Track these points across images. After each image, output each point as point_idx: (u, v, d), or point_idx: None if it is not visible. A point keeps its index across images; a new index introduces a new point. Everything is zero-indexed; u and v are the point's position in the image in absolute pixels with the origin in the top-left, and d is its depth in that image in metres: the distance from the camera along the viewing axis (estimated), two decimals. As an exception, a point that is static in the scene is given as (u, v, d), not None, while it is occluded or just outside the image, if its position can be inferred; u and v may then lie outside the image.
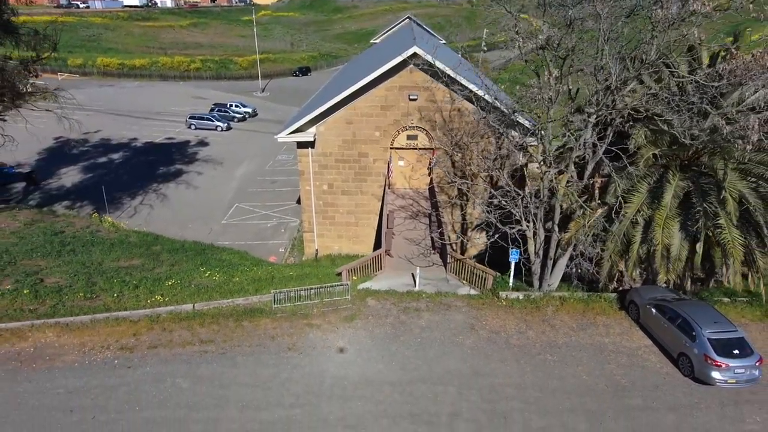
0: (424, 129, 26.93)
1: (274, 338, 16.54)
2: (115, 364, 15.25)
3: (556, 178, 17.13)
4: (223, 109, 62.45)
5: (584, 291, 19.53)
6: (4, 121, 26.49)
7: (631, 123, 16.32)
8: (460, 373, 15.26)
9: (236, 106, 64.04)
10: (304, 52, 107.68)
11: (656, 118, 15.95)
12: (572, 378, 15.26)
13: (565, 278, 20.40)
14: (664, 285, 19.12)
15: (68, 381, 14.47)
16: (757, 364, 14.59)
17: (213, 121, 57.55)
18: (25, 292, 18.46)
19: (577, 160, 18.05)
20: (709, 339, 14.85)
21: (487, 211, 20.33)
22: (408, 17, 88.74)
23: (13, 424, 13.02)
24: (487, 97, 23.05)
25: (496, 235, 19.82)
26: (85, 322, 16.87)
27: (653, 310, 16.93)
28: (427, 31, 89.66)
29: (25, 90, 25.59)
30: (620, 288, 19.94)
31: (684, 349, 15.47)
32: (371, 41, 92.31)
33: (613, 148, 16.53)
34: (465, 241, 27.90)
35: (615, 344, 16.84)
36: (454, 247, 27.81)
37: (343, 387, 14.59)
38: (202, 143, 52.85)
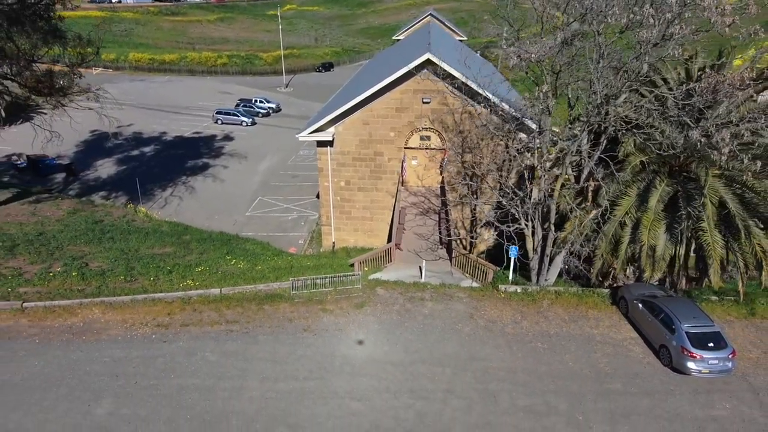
0: (436, 130, 28.45)
1: (292, 320, 18.46)
2: (152, 338, 17.38)
3: (552, 182, 18.55)
4: (248, 105, 64.72)
5: (579, 287, 20.92)
6: (44, 113, 28.85)
7: (622, 131, 17.62)
8: (456, 357, 16.93)
9: (261, 101, 66.29)
10: (327, 48, 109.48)
11: (644, 127, 17.24)
12: (559, 364, 16.79)
13: (564, 274, 21.83)
14: (656, 283, 20.43)
15: (113, 351, 16.64)
16: (730, 356, 15.88)
17: (238, 116, 59.89)
18: (73, 274, 20.80)
19: (573, 164, 19.43)
20: (686, 332, 16.19)
21: (493, 210, 21.81)
22: (430, 14, 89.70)
23: (68, 386, 15.22)
24: (495, 100, 24.51)
25: (495, 233, 21.32)
26: (126, 301, 19.07)
27: (640, 306, 18.29)
28: (449, 28, 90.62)
29: (70, 91, 27.97)
30: (614, 285, 21.29)
31: (664, 341, 16.83)
32: (393, 38, 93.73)
33: (603, 156, 17.87)
34: (473, 237, 29.37)
35: (603, 336, 18.27)
36: (464, 243, 29.39)
37: (352, 365, 16.42)
38: (228, 138, 55.22)
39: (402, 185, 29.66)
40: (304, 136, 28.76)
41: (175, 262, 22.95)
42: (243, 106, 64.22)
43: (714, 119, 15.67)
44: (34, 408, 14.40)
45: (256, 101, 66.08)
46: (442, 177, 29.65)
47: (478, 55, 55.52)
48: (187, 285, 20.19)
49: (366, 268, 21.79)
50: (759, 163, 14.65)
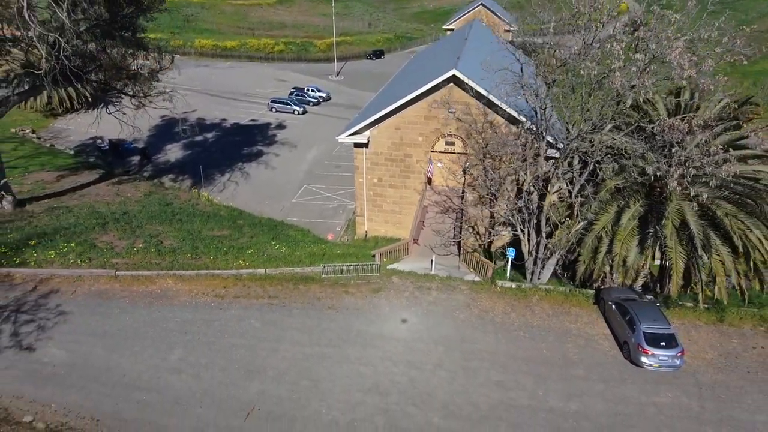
0: (460, 137, 31.69)
1: (320, 299, 22.80)
2: (211, 305, 22.22)
3: (542, 197, 21.69)
4: (300, 93, 69.27)
5: (572, 286, 23.98)
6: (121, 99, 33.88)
7: (605, 157, 20.45)
8: (450, 338, 20.72)
9: (312, 90, 70.72)
10: (380, 34, 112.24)
11: (623, 155, 20.02)
12: (534, 351, 20.24)
13: (560, 275, 24.93)
14: (640, 288, 23.25)
15: (182, 314, 21.59)
16: (678, 355, 18.80)
17: (291, 105, 64.63)
18: (152, 250, 26.02)
19: (567, 180, 22.40)
20: (644, 332, 19.19)
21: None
22: (481, 3, 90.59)
23: (150, 338, 20.25)
24: (512, 112, 27.51)
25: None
26: (192, 275, 24.02)
27: (613, 307, 21.31)
28: (498, 17, 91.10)
29: (150, 93, 33.23)
30: (602, 286, 24.21)
31: (627, 338, 19.88)
32: (444, 27, 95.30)
33: (590, 177, 20.81)
34: (491, 234, 32.60)
35: (579, 330, 21.48)
36: (480, 240, 32.67)
37: (363, 337, 20.58)
38: (281, 126, 60.12)
39: (429, 185, 33.22)
40: (343, 138, 32.78)
41: (230, 244, 27.79)
42: (296, 95, 68.84)
43: (670, 157, 18.33)
44: (126, 352, 19.51)
45: (307, 90, 70.54)
46: (464, 179, 32.92)
47: (517, 54, 56.98)
48: (239, 264, 24.93)
49: (385, 259, 25.75)
50: (705, 195, 17.31)
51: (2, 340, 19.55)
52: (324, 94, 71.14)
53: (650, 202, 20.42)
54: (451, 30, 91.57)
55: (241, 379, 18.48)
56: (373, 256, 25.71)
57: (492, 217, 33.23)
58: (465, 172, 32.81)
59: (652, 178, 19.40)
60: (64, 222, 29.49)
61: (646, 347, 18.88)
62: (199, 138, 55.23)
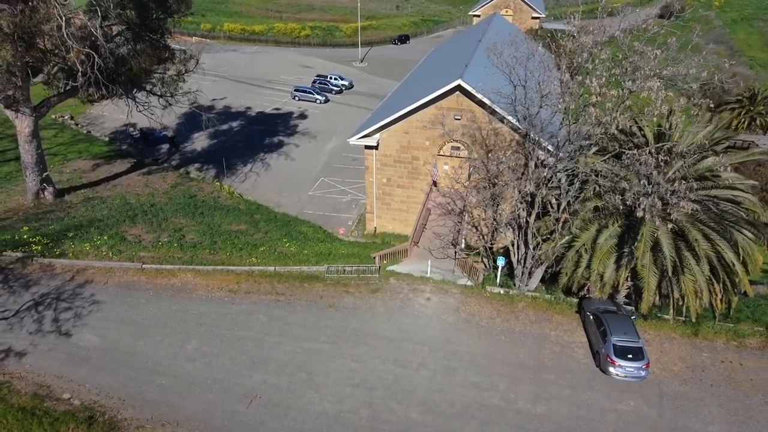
0: (465, 143, 33.13)
1: (322, 297, 25.12)
2: (225, 300, 24.81)
3: (528, 214, 23.26)
4: (323, 82, 70.84)
5: (561, 294, 25.55)
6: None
7: (589, 178, 21.81)
8: (435, 339, 22.79)
9: (335, 78, 72.22)
10: (406, 18, 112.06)
11: (607, 177, 21.36)
12: (512, 355, 22.13)
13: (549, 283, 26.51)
14: (623, 298, 24.71)
15: (199, 307, 24.26)
16: (644, 367, 20.42)
17: (313, 94, 66.44)
18: (174, 245, 28.74)
19: (555, 196, 23.83)
20: (614, 344, 20.82)
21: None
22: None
23: (171, 327, 22.99)
24: (513, 122, 28.81)
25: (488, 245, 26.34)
26: (209, 270, 26.64)
27: (591, 317, 22.93)
28: (527, 3, 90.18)
29: (177, 93, 35.69)
30: (587, 295, 25.73)
31: (599, 348, 21.55)
32: (470, 13, 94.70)
33: (574, 196, 22.24)
34: (493, 236, 34.20)
35: (557, 337, 23.21)
36: (483, 240, 34.29)
37: (358, 335, 22.84)
38: (302, 116, 62.11)
39: (435, 186, 34.89)
40: (354, 140, 34.67)
41: (245, 240, 30.28)
42: (319, 83, 70.49)
43: (640, 188, 19.64)
44: (149, 340, 22.31)
45: (330, 78, 72.06)
46: (469, 182, 34.41)
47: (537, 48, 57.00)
48: (252, 262, 27.41)
49: (385, 261, 27.79)
50: (681, 218, 18.77)
51: (45, 325, 22.61)
52: (346, 83, 72.57)
53: (628, 222, 21.72)
54: (477, 17, 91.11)
55: (247, 369, 21.04)
56: (374, 258, 27.75)
57: (495, 219, 34.83)
58: (470, 176, 34.31)
59: (628, 201, 20.70)
60: (98, 214, 32.53)
61: (614, 358, 20.54)
62: (224, 127, 57.75)
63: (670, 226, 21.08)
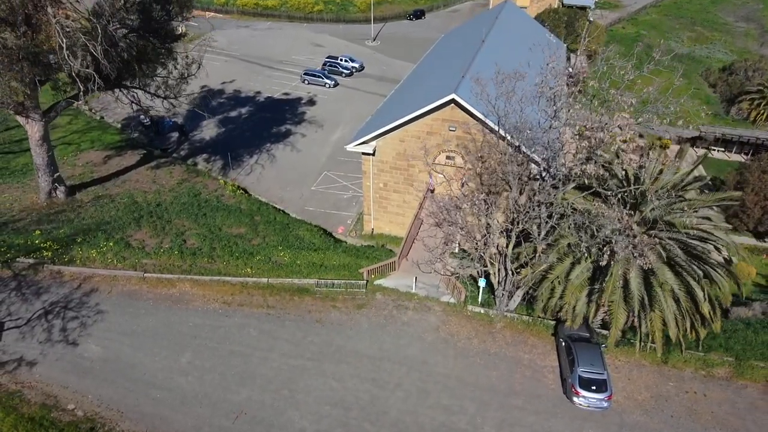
0: (459, 153, 33.54)
1: (310, 312, 26.55)
2: (219, 312, 26.43)
3: (506, 245, 24.02)
4: (333, 64, 70.46)
5: (534, 315, 26.53)
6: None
7: (565, 212, 22.39)
8: (414, 359, 24.13)
9: (345, 60, 71.76)
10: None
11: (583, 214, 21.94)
12: (485, 378, 23.39)
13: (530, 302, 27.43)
14: (600, 321, 25.59)
15: (195, 318, 25.95)
16: (607, 398, 21.51)
17: (322, 78, 66.40)
18: (175, 252, 30.29)
19: (535, 225, 24.48)
20: (579, 375, 21.89)
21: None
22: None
23: (167, 339, 24.76)
24: (507, 136, 29.15)
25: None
26: (206, 281, 28.21)
27: (563, 343, 23.93)
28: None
29: (180, 95, 36.63)
30: (564, 319, 26.62)
31: (567, 376, 22.65)
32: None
33: (552, 226, 22.88)
34: (486, 245, 34.99)
35: (530, 360, 24.34)
36: (477, 248, 35.09)
37: (340, 353, 24.31)
38: (311, 102, 62.40)
39: (431, 193, 35.56)
40: (351, 147, 35.33)
41: (243, 247, 31.66)
42: (329, 66, 70.24)
43: (609, 227, 20.28)
44: (148, 351, 24.14)
45: (341, 60, 71.64)
46: (462, 192, 34.96)
47: (549, 38, 55.70)
48: (246, 273, 28.87)
49: (373, 275, 28.95)
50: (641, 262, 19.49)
51: (54, 334, 24.59)
52: (357, 65, 72.12)
53: (600, 259, 22.36)
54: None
55: (235, 384, 22.78)
56: (362, 273, 28.91)
57: (488, 227, 35.51)
58: (463, 185, 34.84)
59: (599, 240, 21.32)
60: (106, 215, 34.20)
61: (579, 389, 21.66)
62: (233, 113, 58.59)
63: (640, 261, 21.68)
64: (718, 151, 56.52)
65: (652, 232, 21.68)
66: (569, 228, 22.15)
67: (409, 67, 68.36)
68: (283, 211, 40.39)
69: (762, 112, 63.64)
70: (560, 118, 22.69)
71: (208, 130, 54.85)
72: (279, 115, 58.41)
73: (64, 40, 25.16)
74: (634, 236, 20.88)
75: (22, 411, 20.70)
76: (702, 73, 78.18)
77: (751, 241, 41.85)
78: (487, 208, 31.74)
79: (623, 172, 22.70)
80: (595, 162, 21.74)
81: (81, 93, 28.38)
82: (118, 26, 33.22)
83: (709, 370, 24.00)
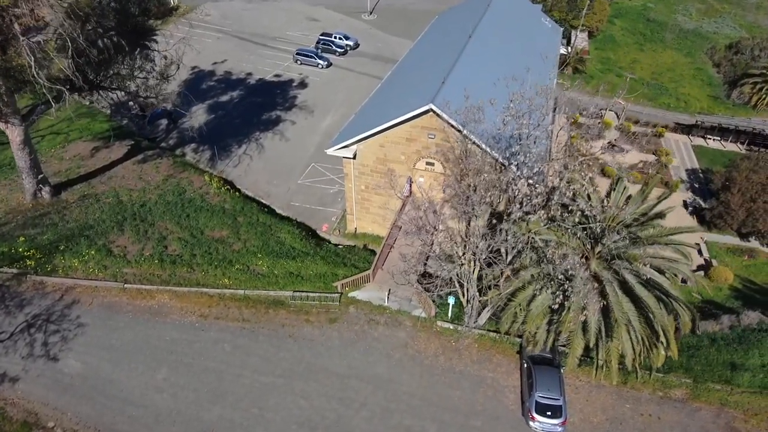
0: (438, 160, 33.42)
1: (284, 326, 27.35)
2: (195, 326, 27.30)
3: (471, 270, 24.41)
4: (327, 42, 68.86)
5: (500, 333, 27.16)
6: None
7: (530, 240, 22.65)
8: (381, 378, 25.02)
9: (339, 38, 70.13)
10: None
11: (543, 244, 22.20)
12: (448, 398, 24.29)
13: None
14: (565, 339, 26.21)
15: (171, 333, 26.85)
16: (561, 424, 22.38)
17: (315, 59, 65.12)
18: (155, 261, 30.94)
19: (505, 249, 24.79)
20: (536, 400, 22.70)
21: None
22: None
23: (144, 354, 25.75)
24: (484, 147, 29.11)
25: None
26: (185, 292, 28.97)
27: (525, 364, 24.66)
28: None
29: (161, 95, 36.43)
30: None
31: (526, 399, 23.48)
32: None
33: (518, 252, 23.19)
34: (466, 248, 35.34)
35: (494, 380, 25.16)
36: (458, 252, 35.49)
37: (310, 370, 25.23)
38: (302, 84, 61.48)
39: (410, 196, 35.67)
40: (331, 151, 35.25)
41: (223, 254, 32.21)
42: (323, 43, 68.77)
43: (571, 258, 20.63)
44: (125, 367, 25.18)
45: (335, 37, 70.02)
46: (443, 198, 35.02)
47: (545, 22, 53.95)
48: (224, 283, 29.56)
49: (347, 288, 29.55)
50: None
51: (36, 349, 25.63)
52: (351, 42, 70.56)
53: (563, 289, 22.70)
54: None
55: (208, 402, 23.85)
56: (336, 286, 29.50)
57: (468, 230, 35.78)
58: (444, 190, 34.85)
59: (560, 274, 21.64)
60: (90, 218, 34.73)
61: (534, 414, 22.52)
62: (224, 98, 58.03)
63: (599, 287, 22.08)
64: (713, 139, 55.56)
65: (612, 263, 21.93)
66: (530, 260, 22.44)
67: (406, 45, 66.80)
68: (268, 209, 40.70)
69: (763, 97, 62.13)
70: (517, 161, 22.58)
71: (198, 116, 54.45)
72: (269, 100, 57.78)
73: (32, 58, 24.98)
74: (593, 275, 21.16)
75: (5, 429, 21.92)
76: (707, 51, 75.84)
77: (735, 240, 41.92)
78: (471, 209, 31.98)
79: (588, 205, 22.75)
80: (554, 203, 21.91)
81: (53, 102, 28.40)
82: (94, 26, 32.77)
83: (666, 392, 24.75)
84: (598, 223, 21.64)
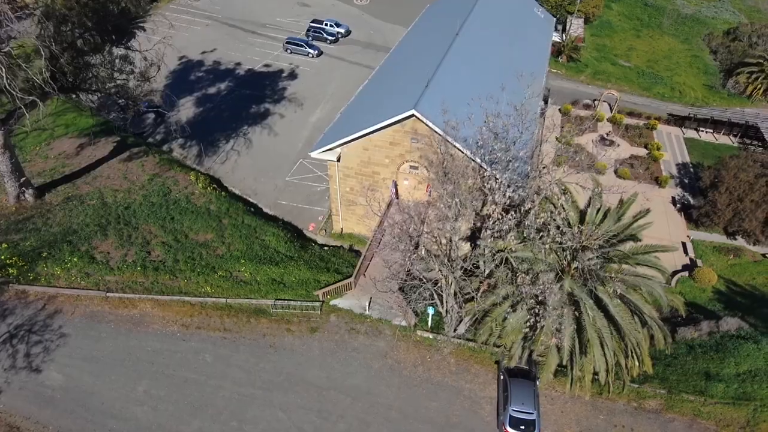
0: (422, 164, 33.18)
1: (265, 336, 27.56)
2: (177, 335, 27.51)
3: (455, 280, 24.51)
4: (318, 30, 67.71)
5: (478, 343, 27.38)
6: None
7: (502, 263, 22.65)
8: (359, 389, 25.33)
9: (330, 25, 68.89)
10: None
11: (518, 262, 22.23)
12: (425, 409, 24.64)
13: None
14: (542, 350, 26.45)
15: (153, 343, 27.07)
16: (533, 437, 22.79)
17: (305, 48, 64.08)
18: (138, 269, 30.99)
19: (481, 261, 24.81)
20: (510, 414, 23.04)
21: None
22: None
23: (125, 366, 26.02)
24: (466, 153, 28.94)
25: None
26: (167, 300, 29.10)
27: (502, 377, 24.94)
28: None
29: (141, 97, 35.96)
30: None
31: (501, 411, 23.82)
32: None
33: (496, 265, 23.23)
34: (451, 247, 35.36)
35: (471, 391, 25.48)
36: (443, 249, 35.51)
37: (290, 382, 25.53)
38: (292, 75, 60.62)
39: (396, 198, 35.57)
40: (315, 154, 34.98)
41: (207, 260, 32.24)
42: (313, 31, 67.60)
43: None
44: (106, 379, 25.47)
45: (326, 25, 68.79)
46: (428, 200, 34.91)
47: (537, 13, 52.83)
48: (206, 291, 29.66)
49: (329, 296, 29.67)
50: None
51: (19, 361, 25.88)
52: (343, 30, 69.36)
53: (538, 306, 22.81)
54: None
55: (188, 415, 24.21)
56: (317, 295, 29.60)
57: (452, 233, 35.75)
58: (429, 194, 34.71)
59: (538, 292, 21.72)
60: (74, 221, 34.63)
61: (508, 428, 22.88)
62: (212, 90, 57.29)
63: (573, 307, 22.20)
64: (706, 132, 55.05)
65: (588, 281, 21.97)
66: (506, 277, 22.50)
67: (399, 32, 65.72)
68: (255, 209, 40.59)
69: (759, 87, 61.37)
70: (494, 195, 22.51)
71: (185, 110, 53.83)
72: (258, 92, 57.05)
73: (4, 69, 24.57)
74: (569, 293, 21.23)
75: (-13, 444, 22.32)
76: (704, 37, 74.58)
77: (722, 238, 41.92)
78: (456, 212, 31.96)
79: (565, 221, 22.68)
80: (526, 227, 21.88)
81: (26, 111, 28.13)
82: (71, 27, 32.15)
83: (641, 402, 25.10)
84: (573, 243, 21.59)
